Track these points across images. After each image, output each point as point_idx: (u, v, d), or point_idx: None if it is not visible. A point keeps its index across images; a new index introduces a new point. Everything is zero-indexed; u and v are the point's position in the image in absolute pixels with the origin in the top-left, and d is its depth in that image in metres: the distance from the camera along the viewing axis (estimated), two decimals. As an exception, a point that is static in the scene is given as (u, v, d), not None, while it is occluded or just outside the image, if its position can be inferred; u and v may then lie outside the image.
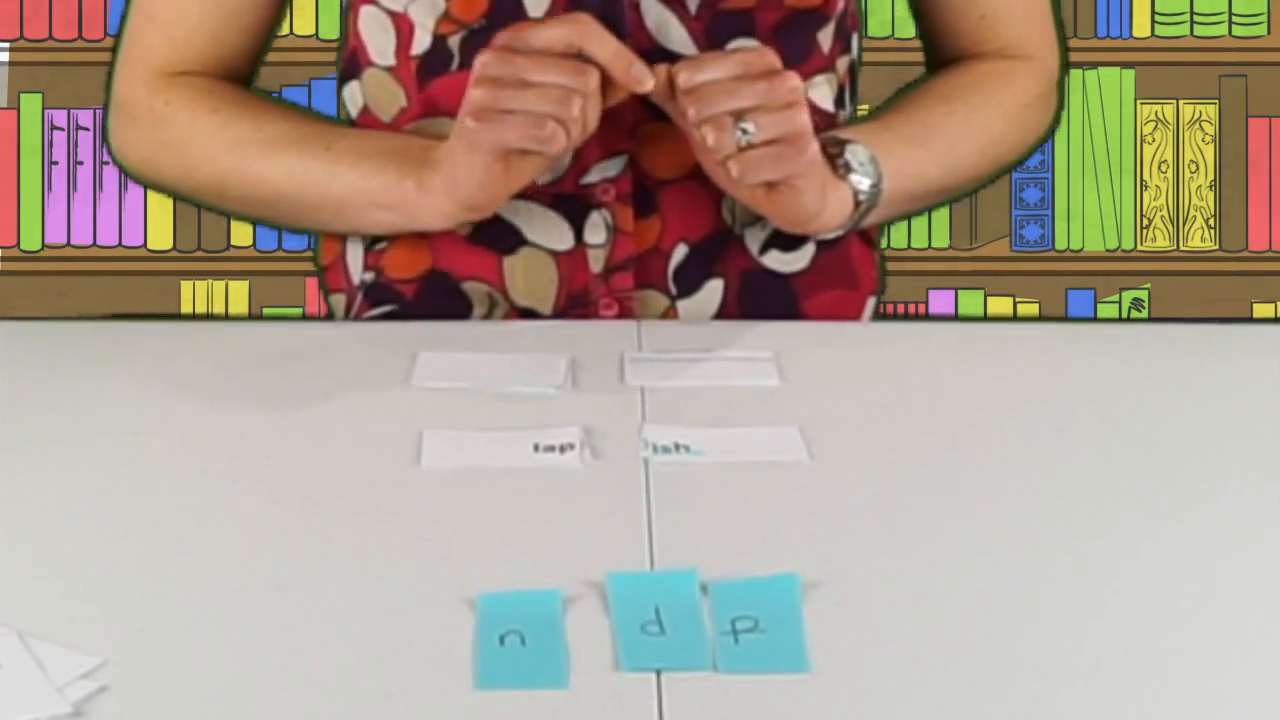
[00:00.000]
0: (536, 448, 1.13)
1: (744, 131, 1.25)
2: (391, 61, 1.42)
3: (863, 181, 1.35)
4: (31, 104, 2.72)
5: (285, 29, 1.52)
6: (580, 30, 1.28)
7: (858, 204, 1.35)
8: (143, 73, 1.45)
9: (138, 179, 1.47)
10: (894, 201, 1.39)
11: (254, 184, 1.40)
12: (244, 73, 1.48)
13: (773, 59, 1.28)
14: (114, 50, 1.48)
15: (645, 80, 1.29)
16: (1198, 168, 2.75)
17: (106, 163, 2.74)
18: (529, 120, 1.26)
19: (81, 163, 2.73)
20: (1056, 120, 1.53)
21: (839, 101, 1.44)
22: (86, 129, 2.73)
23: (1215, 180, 2.75)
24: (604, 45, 1.28)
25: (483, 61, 1.28)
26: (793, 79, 1.27)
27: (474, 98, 1.28)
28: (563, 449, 1.13)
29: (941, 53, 1.51)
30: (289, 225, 1.46)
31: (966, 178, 1.46)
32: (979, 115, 1.45)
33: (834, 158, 1.34)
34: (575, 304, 1.39)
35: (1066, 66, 1.52)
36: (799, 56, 1.39)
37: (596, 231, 1.39)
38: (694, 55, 1.34)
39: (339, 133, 1.41)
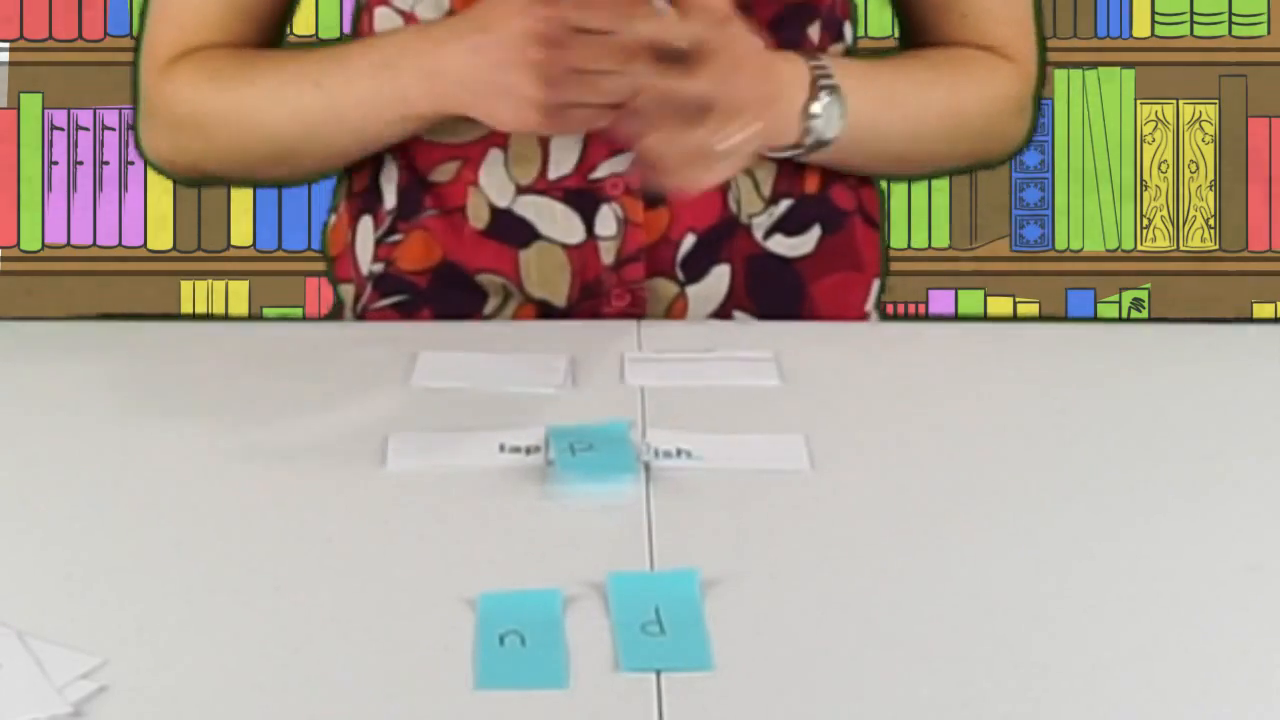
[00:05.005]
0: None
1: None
2: None
3: (825, 100, 1.35)
4: (31, 104, 2.72)
5: (285, 29, 1.52)
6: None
7: (814, 91, 1.35)
8: (156, 64, 1.47)
9: (172, 174, 1.48)
10: (848, 145, 1.37)
11: (268, 139, 1.41)
12: None
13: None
14: (135, 52, 1.50)
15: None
16: (1198, 168, 2.75)
17: (107, 163, 2.74)
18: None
19: (81, 163, 2.73)
20: (1030, 135, 1.50)
21: None
22: (86, 129, 2.73)
23: (1215, 180, 2.75)
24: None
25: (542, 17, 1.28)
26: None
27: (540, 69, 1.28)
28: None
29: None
30: (320, 167, 1.46)
31: (925, 154, 1.45)
32: (956, 98, 1.44)
33: (815, 69, 1.36)
34: (588, 295, 1.40)
35: (1043, 81, 1.49)
36: (792, 49, 1.40)
37: (607, 224, 1.40)
38: None
39: (318, 64, 1.40)
